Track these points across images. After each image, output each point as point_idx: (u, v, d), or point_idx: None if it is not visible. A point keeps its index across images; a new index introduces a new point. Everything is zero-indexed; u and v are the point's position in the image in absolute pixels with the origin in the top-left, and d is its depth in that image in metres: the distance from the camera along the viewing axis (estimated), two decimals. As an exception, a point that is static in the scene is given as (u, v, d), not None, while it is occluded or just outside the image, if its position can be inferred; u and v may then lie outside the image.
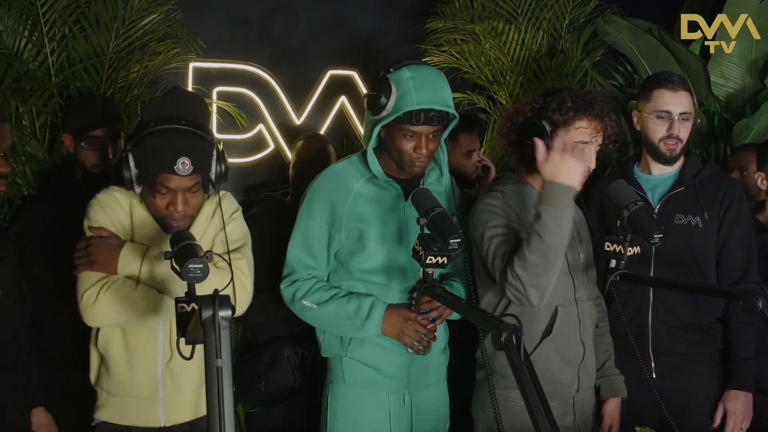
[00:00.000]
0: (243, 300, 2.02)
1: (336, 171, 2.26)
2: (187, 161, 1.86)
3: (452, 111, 2.12)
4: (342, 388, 2.24)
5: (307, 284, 2.22)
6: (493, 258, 2.11)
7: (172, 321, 1.98)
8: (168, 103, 1.96)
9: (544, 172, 2.02)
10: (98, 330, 2.02)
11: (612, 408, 2.38)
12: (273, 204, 3.05)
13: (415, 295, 2.11)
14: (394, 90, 2.07)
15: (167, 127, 1.89)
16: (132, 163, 1.89)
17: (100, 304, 1.91)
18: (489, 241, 2.13)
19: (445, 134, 2.19)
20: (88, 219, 1.99)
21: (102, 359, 2.04)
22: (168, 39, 3.46)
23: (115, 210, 1.99)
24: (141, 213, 2.01)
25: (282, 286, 2.26)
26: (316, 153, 3.09)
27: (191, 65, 3.68)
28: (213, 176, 1.96)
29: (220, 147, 1.99)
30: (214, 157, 1.95)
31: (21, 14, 3.19)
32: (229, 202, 2.14)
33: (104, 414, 2.07)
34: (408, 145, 2.12)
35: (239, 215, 2.15)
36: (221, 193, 2.12)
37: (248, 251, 2.11)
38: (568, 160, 1.99)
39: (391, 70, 2.11)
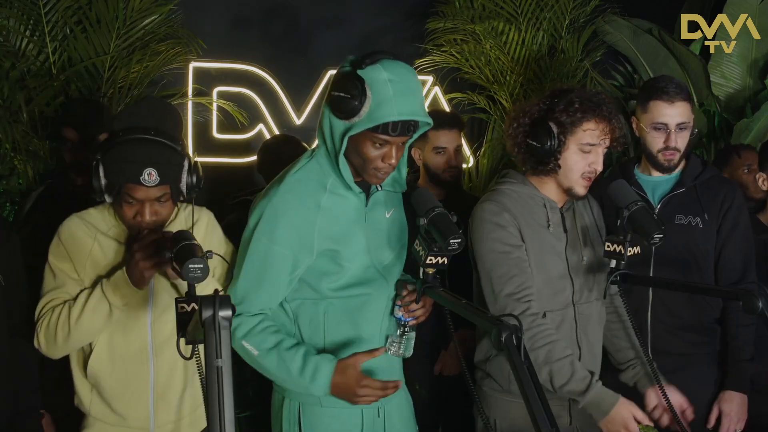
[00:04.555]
0: None
1: (296, 183, 1.93)
2: (153, 172, 1.83)
3: (430, 121, 1.91)
4: (318, 413, 2.01)
5: (251, 321, 1.92)
6: (489, 279, 2.11)
7: (162, 353, 1.99)
8: (139, 112, 1.94)
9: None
10: (85, 359, 2.01)
11: (654, 397, 2.24)
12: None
13: (399, 302, 2.01)
14: (369, 94, 1.80)
15: (135, 137, 1.86)
16: (102, 173, 1.87)
17: (42, 342, 1.96)
18: (485, 258, 2.12)
19: (412, 139, 1.98)
20: (51, 254, 1.98)
21: (91, 387, 2.04)
22: (168, 39, 3.47)
23: (76, 243, 1.97)
24: (106, 241, 1.99)
25: None
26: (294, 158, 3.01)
27: (191, 65, 3.69)
28: (184, 187, 1.92)
29: (193, 158, 1.95)
30: (185, 168, 1.92)
31: (23, 14, 3.20)
32: (220, 238, 2.13)
33: None
34: (375, 153, 1.87)
35: (232, 251, 2.11)
36: (205, 213, 2.11)
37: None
38: None
39: (362, 66, 1.82)
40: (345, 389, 1.91)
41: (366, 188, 1.99)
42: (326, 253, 1.93)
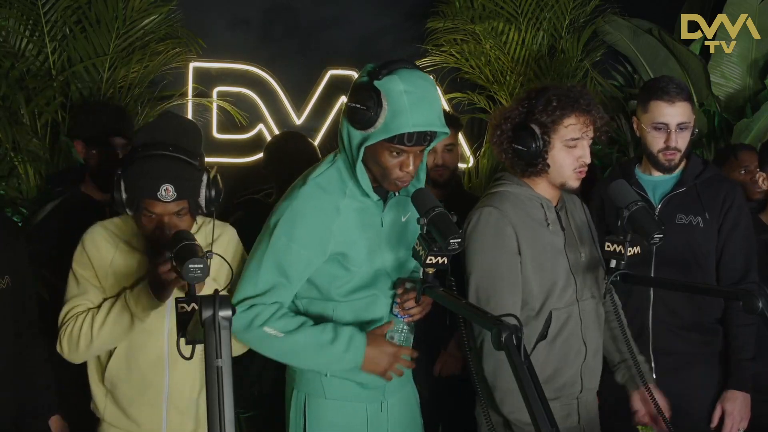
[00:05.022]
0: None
1: (318, 187, 1.98)
2: (170, 188, 1.87)
3: (446, 130, 1.93)
4: (323, 405, 2.08)
5: (269, 309, 1.95)
6: (475, 290, 2.13)
7: (178, 361, 1.99)
8: (159, 128, 1.99)
9: None
10: (103, 364, 2.05)
11: (637, 401, 2.30)
12: (257, 207, 3.04)
13: (398, 300, 2.04)
14: (384, 105, 1.82)
15: (153, 153, 1.90)
16: (123, 187, 1.91)
17: (65, 348, 1.99)
18: (477, 270, 2.14)
19: (431, 147, 2.01)
20: (75, 261, 2.02)
21: (107, 392, 2.07)
22: (168, 39, 3.47)
23: (99, 252, 2.01)
24: (128, 251, 2.02)
25: (238, 308, 1.92)
26: (307, 155, 3.07)
27: (191, 65, 3.69)
28: (203, 201, 1.96)
29: (212, 172, 1.99)
30: (204, 183, 1.95)
31: (22, 14, 3.20)
32: (242, 255, 2.14)
33: None
34: (393, 162, 1.90)
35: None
36: (228, 230, 2.15)
37: None
38: None
39: (380, 77, 1.84)
40: (379, 359, 1.98)
41: (383, 193, 2.03)
42: (337, 257, 1.98)
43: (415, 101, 1.84)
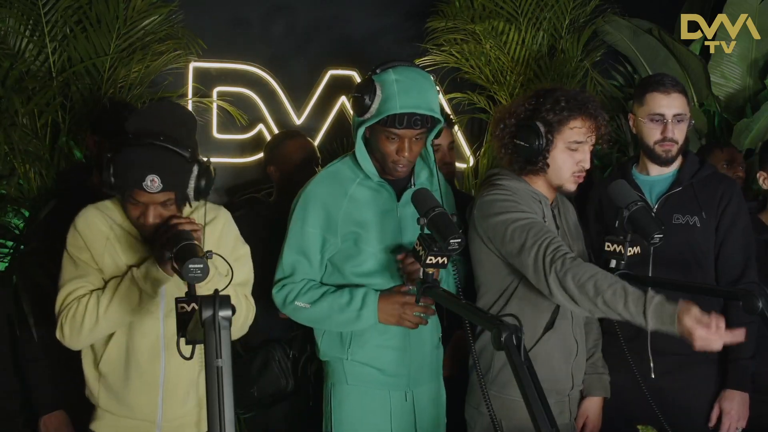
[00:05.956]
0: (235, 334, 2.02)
1: (329, 175, 2.24)
2: (156, 179, 1.85)
3: (436, 115, 2.11)
4: (345, 390, 2.23)
5: (298, 286, 2.22)
6: (524, 239, 2.06)
7: (174, 346, 1.96)
8: (152, 115, 1.96)
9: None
10: (98, 351, 2.03)
11: (588, 405, 2.36)
12: (258, 206, 3.06)
13: (401, 266, 2.15)
14: (378, 92, 2.08)
15: (142, 142, 1.88)
16: (111, 171, 1.89)
17: (66, 333, 1.95)
18: (510, 225, 2.09)
19: (431, 136, 2.19)
20: (69, 245, 2.00)
21: (100, 377, 2.05)
22: (169, 39, 3.46)
23: (93, 233, 1.98)
24: (122, 231, 2.01)
25: (273, 290, 2.26)
26: (307, 154, 3.08)
27: (192, 65, 3.69)
28: (192, 192, 1.94)
29: (206, 161, 1.97)
30: (194, 174, 1.93)
31: (22, 14, 3.20)
32: (236, 238, 2.15)
33: (100, 427, 2.09)
34: (391, 147, 2.13)
35: (248, 253, 2.15)
36: (222, 212, 2.14)
37: (249, 290, 2.16)
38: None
39: (377, 71, 2.11)
40: (392, 309, 2.16)
41: (399, 186, 2.23)
42: (350, 236, 2.19)
43: (404, 88, 2.07)
